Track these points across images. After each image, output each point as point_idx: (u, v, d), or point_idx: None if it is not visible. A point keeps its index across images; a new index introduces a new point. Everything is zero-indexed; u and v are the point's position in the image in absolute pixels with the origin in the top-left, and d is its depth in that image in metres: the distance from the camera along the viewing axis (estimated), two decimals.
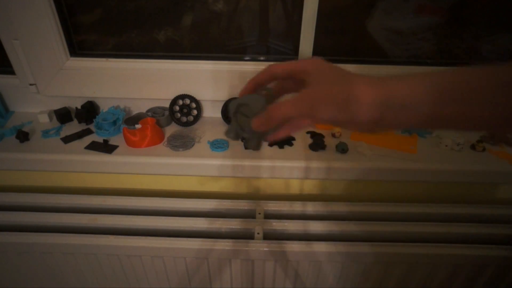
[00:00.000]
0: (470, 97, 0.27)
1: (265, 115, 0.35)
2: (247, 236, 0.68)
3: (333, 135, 0.72)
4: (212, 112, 0.77)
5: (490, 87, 0.27)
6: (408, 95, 0.29)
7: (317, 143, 0.68)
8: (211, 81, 0.71)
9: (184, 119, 0.74)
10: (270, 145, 0.69)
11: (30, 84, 0.72)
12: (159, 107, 0.76)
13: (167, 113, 0.74)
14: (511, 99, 0.26)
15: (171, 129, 0.74)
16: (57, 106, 0.76)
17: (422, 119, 0.29)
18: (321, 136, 0.71)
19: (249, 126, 0.37)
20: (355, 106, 0.30)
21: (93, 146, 0.68)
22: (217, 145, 0.68)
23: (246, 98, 0.39)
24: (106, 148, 0.68)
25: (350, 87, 0.31)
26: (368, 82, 0.30)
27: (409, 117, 0.29)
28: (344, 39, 0.73)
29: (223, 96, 0.73)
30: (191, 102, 0.73)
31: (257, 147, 0.41)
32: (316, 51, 0.71)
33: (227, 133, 0.42)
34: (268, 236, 0.67)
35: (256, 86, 0.38)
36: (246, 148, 0.68)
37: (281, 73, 0.36)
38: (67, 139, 0.70)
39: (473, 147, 0.69)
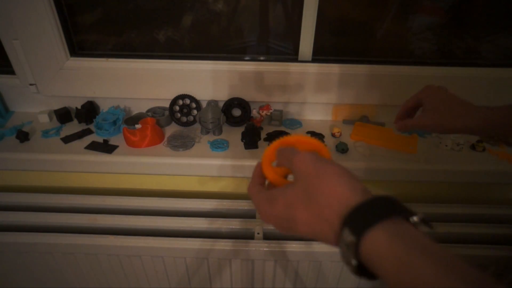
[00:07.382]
0: None
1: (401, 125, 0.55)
2: (247, 236, 0.68)
3: (333, 135, 0.72)
4: None
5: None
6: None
7: None
8: (211, 81, 0.71)
9: (184, 119, 0.74)
10: None
11: (30, 84, 0.72)
12: (159, 107, 0.76)
13: (167, 113, 0.74)
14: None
15: (171, 129, 0.74)
16: (57, 106, 0.76)
17: None
18: (321, 136, 0.71)
19: (207, 127, 0.70)
20: None
21: (93, 146, 0.68)
22: (217, 145, 0.68)
23: (203, 110, 0.69)
24: (106, 148, 0.68)
25: None
26: None
27: None
28: (344, 39, 0.73)
29: (223, 96, 0.73)
30: (191, 102, 0.73)
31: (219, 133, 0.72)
32: (316, 51, 0.71)
33: (201, 131, 0.73)
34: (268, 236, 0.67)
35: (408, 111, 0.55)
36: (245, 148, 0.68)
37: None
38: (67, 139, 0.70)
39: (473, 147, 0.69)
